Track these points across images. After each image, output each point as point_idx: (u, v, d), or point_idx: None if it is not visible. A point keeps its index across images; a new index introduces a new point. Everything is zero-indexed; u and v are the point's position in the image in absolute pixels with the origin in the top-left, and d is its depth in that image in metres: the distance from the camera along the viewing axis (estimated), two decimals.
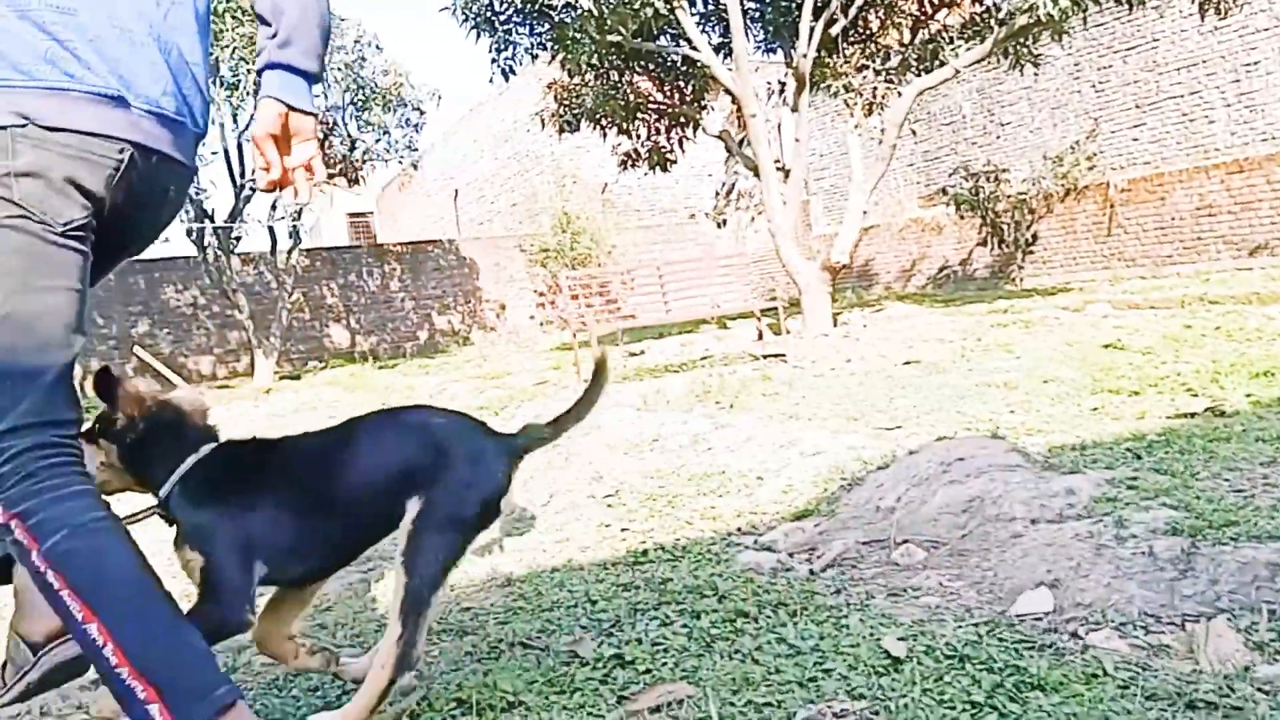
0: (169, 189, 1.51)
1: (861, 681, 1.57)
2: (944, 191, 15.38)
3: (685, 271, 10.02)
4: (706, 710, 1.52)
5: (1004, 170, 14.33)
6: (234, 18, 10.71)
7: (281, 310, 13.72)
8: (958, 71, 9.17)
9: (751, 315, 9.84)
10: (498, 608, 2.26)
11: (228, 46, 11.07)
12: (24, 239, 1.31)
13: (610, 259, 18.46)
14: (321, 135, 11.88)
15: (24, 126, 1.29)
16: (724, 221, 16.86)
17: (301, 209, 13.41)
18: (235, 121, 12.88)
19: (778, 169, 9.64)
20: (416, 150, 14.73)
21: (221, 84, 11.71)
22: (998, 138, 15.35)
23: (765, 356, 7.96)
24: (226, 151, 13.08)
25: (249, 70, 11.46)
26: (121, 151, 1.37)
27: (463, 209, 24.82)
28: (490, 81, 9.90)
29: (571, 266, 17.73)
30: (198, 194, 12.96)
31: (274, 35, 1.46)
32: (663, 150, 11.85)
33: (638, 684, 1.66)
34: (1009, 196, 13.98)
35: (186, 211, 13.33)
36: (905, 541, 2.40)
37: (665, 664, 1.74)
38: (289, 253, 13.90)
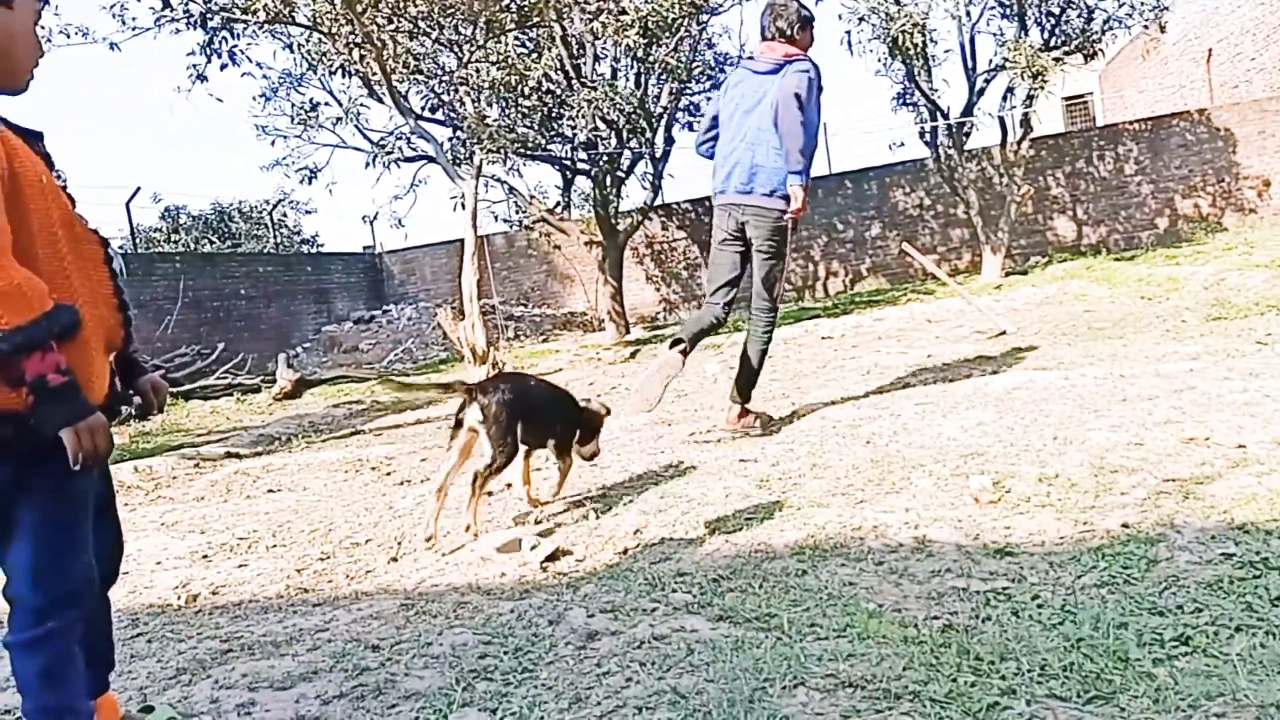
0: (746, 221, 4.61)
1: None
2: None
3: None
4: None
5: None
6: None
7: (1010, 204, 13.47)
8: None
9: None
10: None
11: None
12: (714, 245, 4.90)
13: None
14: (1058, 10, 11.09)
15: (716, 206, 4.83)
16: None
17: (1033, 97, 12.81)
18: (968, 15, 12.81)
19: None
20: (1167, 9, 12.79)
21: None
22: None
23: None
24: (962, 46, 13.10)
25: None
26: (726, 210, 4.73)
27: (1212, 72, 21.08)
28: None
29: None
30: (931, 92, 13.31)
31: (784, 154, 4.45)
32: None
33: None
34: None
35: (919, 113, 13.86)
36: None
37: None
38: (1018, 144, 13.48)
